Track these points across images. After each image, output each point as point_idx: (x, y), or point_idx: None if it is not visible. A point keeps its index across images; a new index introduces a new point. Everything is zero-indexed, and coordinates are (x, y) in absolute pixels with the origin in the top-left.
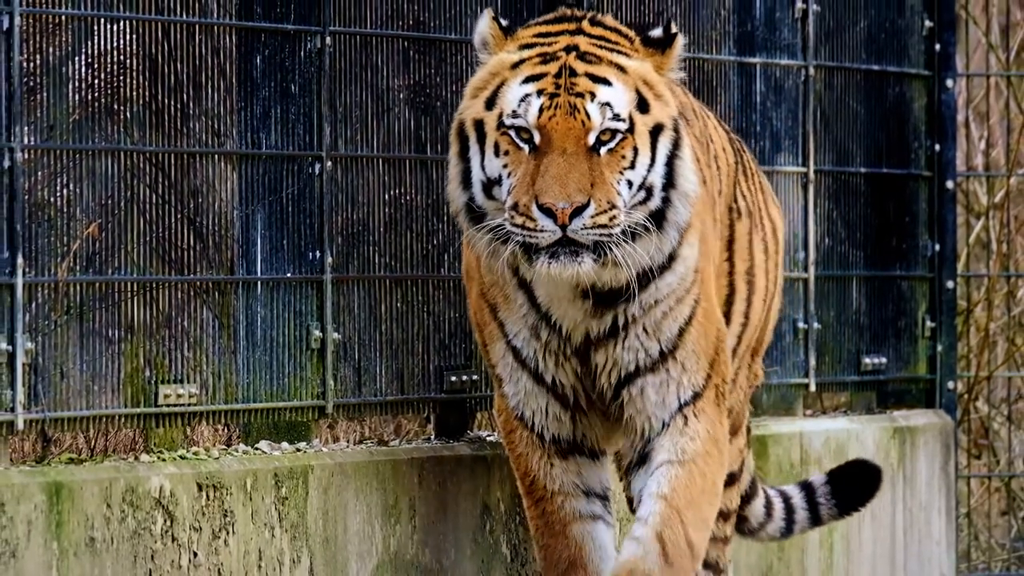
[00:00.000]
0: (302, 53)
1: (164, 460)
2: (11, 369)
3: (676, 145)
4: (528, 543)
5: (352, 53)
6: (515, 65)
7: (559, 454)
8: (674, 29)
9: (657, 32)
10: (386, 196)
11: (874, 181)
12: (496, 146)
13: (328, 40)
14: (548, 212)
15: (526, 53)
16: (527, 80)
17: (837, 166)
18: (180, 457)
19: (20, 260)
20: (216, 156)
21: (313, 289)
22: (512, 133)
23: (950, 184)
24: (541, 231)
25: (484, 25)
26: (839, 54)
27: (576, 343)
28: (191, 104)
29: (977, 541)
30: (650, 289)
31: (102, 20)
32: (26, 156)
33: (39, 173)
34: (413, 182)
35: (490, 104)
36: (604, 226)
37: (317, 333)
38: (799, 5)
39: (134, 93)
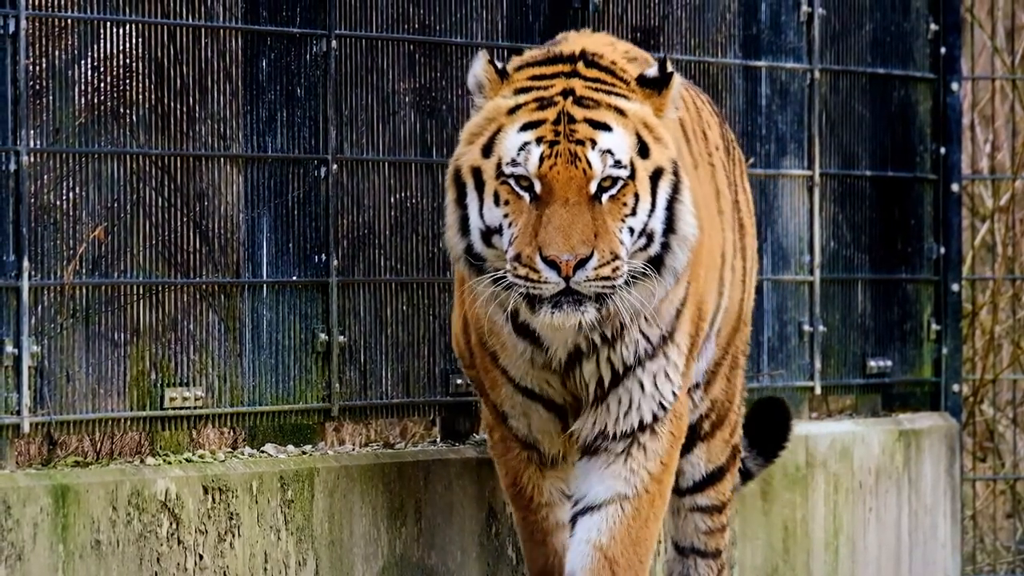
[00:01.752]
0: (308, 56)
1: (170, 463)
2: (17, 372)
3: (676, 189)
4: None
5: (358, 56)
6: (511, 111)
7: (551, 466)
8: (670, 68)
9: (653, 71)
10: (392, 199)
11: (879, 184)
12: (496, 195)
13: (334, 43)
14: (552, 264)
15: (522, 98)
16: (525, 127)
17: (842, 169)
18: (186, 460)
19: (26, 263)
20: (222, 159)
21: (319, 292)
22: (512, 182)
23: (955, 187)
24: (545, 283)
25: (479, 68)
26: (844, 57)
27: (561, 360)
28: (197, 107)
29: (982, 544)
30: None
31: (108, 23)
32: (32, 159)
33: (45, 176)
34: (419, 185)
35: (487, 151)
36: (607, 278)
37: (323, 336)
38: (804, 8)
39: (140, 96)
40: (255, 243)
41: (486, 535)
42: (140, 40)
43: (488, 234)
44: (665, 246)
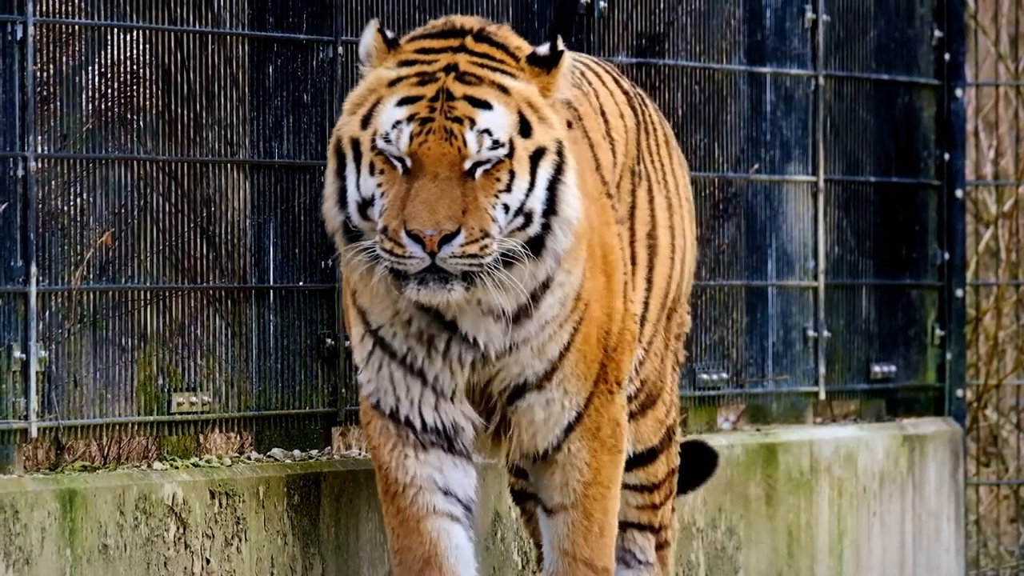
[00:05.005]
0: (314, 63)
1: (177, 467)
2: (25, 377)
3: (559, 170)
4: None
5: None
6: (392, 83)
7: (420, 446)
8: (561, 47)
9: (543, 50)
10: None
11: (884, 190)
12: (371, 166)
13: (340, 49)
14: (416, 239)
15: (404, 71)
16: (401, 103)
17: (847, 175)
18: (193, 464)
19: (34, 269)
20: (229, 165)
21: (325, 298)
22: (385, 154)
23: (959, 193)
24: (409, 257)
25: (368, 36)
26: (849, 64)
27: (489, 354)
28: (204, 113)
29: (986, 548)
30: (540, 308)
31: (115, 30)
32: (40, 165)
33: (52, 182)
34: None
35: (366, 123)
36: (474, 256)
37: (329, 341)
38: (809, 15)
39: (147, 102)
40: (262, 249)
41: (492, 539)
42: (147, 46)
43: (364, 206)
44: (546, 227)
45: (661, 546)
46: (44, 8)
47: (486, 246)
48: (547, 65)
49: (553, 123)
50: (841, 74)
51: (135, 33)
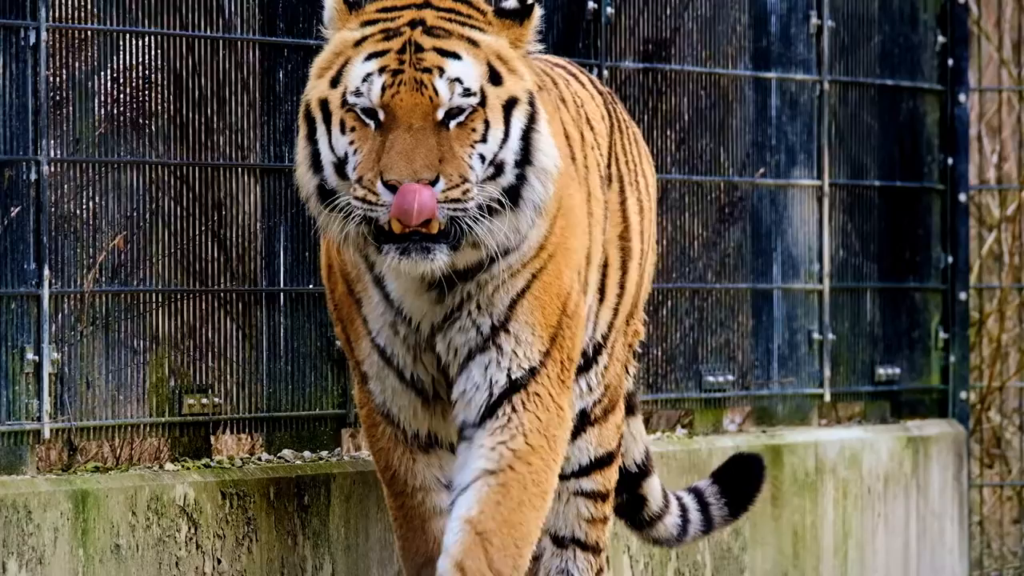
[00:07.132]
0: None
1: (188, 468)
2: (38, 379)
3: (532, 119)
4: None
5: None
6: (358, 43)
7: (421, 449)
8: None
9: (512, 3)
10: None
11: (888, 194)
12: (342, 123)
13: None
14: (393, 189)
15: (368, 30)
16: (369, 57)
17: (851, 179)
18: (204, 465)
19: (47, 271)
20: (239, 169)
21: None
22: (357, 110)
23: (963, 197)
24: (381, 205)
25: (329, 0)
26: (853, 69)
27: (424, 334)
28: (215, 118)
29: (989, 549)
30: (492, 270)
31: (127, 35)
32: (52, 169)
33: (65, 186)
34: None
35: (335, 83)
36: (457, 200)
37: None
38: (814, 21)
39: (159, 107)
40: (272, 252)
41: None
42: (159, 52)
43: (340, 165)
44: (521, 177)
45: (599, 573)
46: (57, 14)
47: (467, 190)
48: (517, 17)
49: (524, 74)
50: (846, 79)
51: (147, 39)
